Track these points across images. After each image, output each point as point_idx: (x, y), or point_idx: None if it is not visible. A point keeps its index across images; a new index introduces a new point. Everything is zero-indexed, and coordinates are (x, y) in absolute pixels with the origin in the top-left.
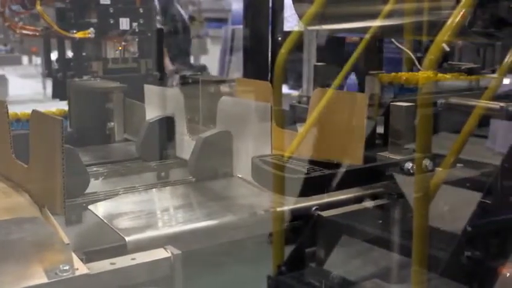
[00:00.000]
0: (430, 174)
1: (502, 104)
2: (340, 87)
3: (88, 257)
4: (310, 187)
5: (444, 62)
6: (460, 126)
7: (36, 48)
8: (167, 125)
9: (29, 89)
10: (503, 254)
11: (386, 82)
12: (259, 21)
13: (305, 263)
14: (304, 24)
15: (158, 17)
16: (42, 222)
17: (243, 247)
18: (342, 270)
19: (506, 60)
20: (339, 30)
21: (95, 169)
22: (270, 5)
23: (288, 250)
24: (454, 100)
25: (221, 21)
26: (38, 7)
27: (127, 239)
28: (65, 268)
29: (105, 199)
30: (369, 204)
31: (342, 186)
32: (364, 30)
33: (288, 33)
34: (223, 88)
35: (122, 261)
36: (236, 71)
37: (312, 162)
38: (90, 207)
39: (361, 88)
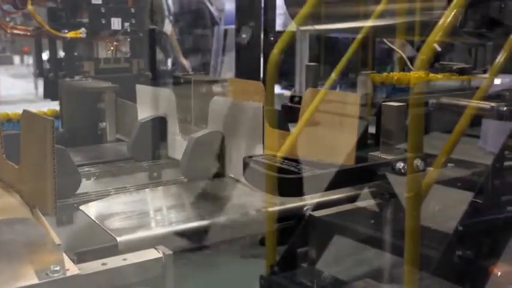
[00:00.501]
0: (422, 174)
1: (492, 104)
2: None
3: (79, 257)
4: (302, 187)
5: (436, 62)
6: (451, 126)
7: (27, 48)
8: (159, 125)
9: (20, 89)
10: (494, 253)
11: (379, 82)
12: (252, 21)
13: (298, 262)
14: (296, 24)
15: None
16: (33, 223)
17: (235, 247)
18: (334, 269)
19: (497, 60)
20: (331, 30)
21: (86, 169)
22: (263, 5)
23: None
24: (445, 100)
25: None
26: (29, 7)
27: (118, 239)
28: (55, 269)
29: (96, 199)
30: (360, 204)
31: (334, 186)
32: (357, 30)
33: (281, 33)
34: (216, 88)
35: (113, 262)
36: (229, 71)
37: (303, 162)
38: (82, 207)
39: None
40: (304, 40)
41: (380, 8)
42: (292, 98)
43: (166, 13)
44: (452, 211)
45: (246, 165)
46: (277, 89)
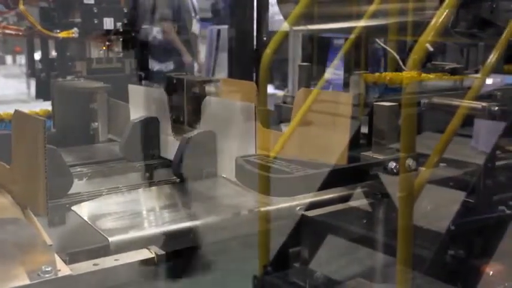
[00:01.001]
0: (414, 174)
1: (484, 104)
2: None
3: (71, 258)
4: (294, 187)
5: (428, 62)
6: (444, 126)
7: (20, 48)
8: (151, 125)
9: (12, 89)
10: (486, 253)
11: (371, 82)
12: (245, 21)
13: (291, 262)
14: (289, 24)
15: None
16: (24, 224)
17: (228, 247)
18: (327, 269)
19: (489, 60)
20: (324, 30)
21: (78, 169)
22: (255, 5)
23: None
24: (437, 100)
25: (207, 20)
26: (21, 6)
27: (110, 239)
28: (47, 269)
29: (88, 200)
30: (353, 203)
31: (326, 186)
32: (349, 30)
33: (274, 33)
34: (209, 88)
35: (105, 262)
36: (222, 71)
37: (296, 162)
38: (74, 208)
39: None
40: (297, 40)
41: (372, 8)
42: (285, 98)
43: (193, 14)
44: (444, 211)
45: (238, 165)
46: (270, 89)
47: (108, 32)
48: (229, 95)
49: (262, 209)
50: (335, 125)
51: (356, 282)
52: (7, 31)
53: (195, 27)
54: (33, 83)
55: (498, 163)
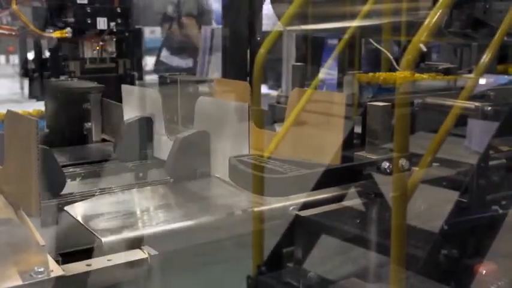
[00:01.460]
0: (408, 174)
1: (477, 104)
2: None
3: (64, 258)
4: (288, 187)
5: (422, 62)
6: (437, 126)
7: (13, 48)
8: (145, 125)
9: (5, 89)
10: (480, 252)
11: (365, 82)
12: (238, 21)
13: (285, 262)
14: (283, 24)
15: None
16: (17, 224)
17: (221, 248)
18: (321, 269)
19: (482, 60)
20: (318, 30)
21: (71, 170)
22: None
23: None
24: (430, 100)
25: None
26: (14, 6)
27: (103, 240)
28: (39, 270)
29: (81, 200)
30: (347, 203)
31: (320, 185)
32: (343, 30)
33: (267, 33)
34: (203, 88)
35: (98, 263)
36: (216, 71)
37: (289, 162)
38: (67, 208)
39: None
40: (291, 40)
41: (366, 8)
42: (279, 98)
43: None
44: (438, 210)
45: (231, 165)
46: (264, 89)
47: (101, 31)
48: (223, 95)
49: (256, 209)
50: (329, 125)
51: (350, 282)
52: (0, 31)
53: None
54: (26, 82)
55: (491, 163)
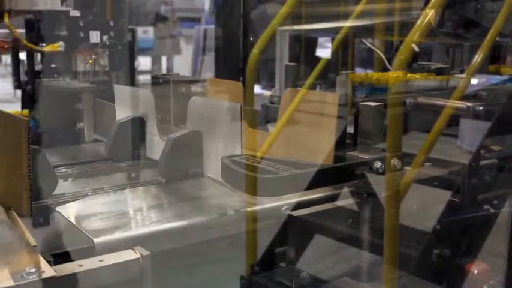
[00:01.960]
0: (401, 173)
1: (469, 104)
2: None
3: (56, 259)
4: (280, 187)
5: (414, 62)
6: (430, 126)
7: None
8: (137, 125)
9: None
10: (472, 252)
11: (358, 82)
12: (231, 21)
13: (278, 262)
14: (276, 24)
15: None
16: (8, 225)
17: (214, 248)
18: (314, 269)
19: (474, 60)
20: (311, 30)
21: (63, 170)
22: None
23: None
24: (422, 100)
25: (195, 20)
26: (6, 20)
27: (95, 240)
28: (31, 271)
29: (73, 200)
30: (339, 203)
31: (313, 185)
32: (336, 30)
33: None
34: (196, 88)
35: (90, 263)
36: (209, 71)
37: (282, 162)
38: (58, 208)
39: None
40: (284, 40)
41: (359, 8)
42: (271, 98)
43: None
44: (430, 210)
45: (223, 165)
46: (258, 89)
47: (94, 45)
48: (216, 95)
49: (249, 209)
50: (321, 124)
51: (343, 282)
52: None
53: None
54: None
55: (483, 162)
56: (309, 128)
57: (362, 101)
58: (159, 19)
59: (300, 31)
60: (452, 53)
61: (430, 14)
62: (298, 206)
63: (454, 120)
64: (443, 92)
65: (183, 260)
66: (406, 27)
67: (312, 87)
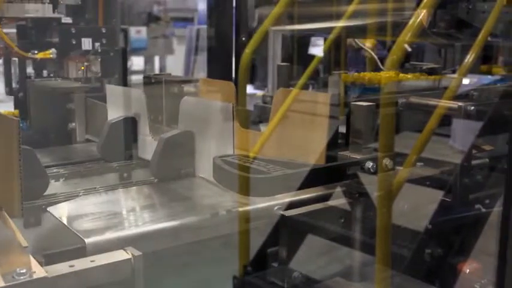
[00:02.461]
0: (393, 173)
1: (460, 104)
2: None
3: (47, 259)
4: (272, 187)
5: (406, 62)
6: (422, 126)
7: None
8: (129, 125)
9: None
10: (464, 251)
11: (350, 82)
12: (224, 20)
13: (271, 262)
14: (268, 24)
15: None
16: None
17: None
18: (306, 269)
19: (465, 60)
20: (304, 30)
21: (55, 170)
22: (234, 4)
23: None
24: (414, 100)
25: (187, 20)
26: None
27: (87, 241)
28: (22, 271)
29: (65, 201)
30: (332, 203)
31: (304, 185)
32: (329, 30)
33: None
34: (188, 88)
35: (81, 264)
36: (202, 71)
37: (274, 162)
38: (50, 209)
39: None
40: (277, 40)
41: (351, 8)
42: (264, 98)
43: None
44: (422, 210)
45: (215, 165)
46: (250, 89)
47: (86, 52)
48: (208, 95)
49: (241, 209)
50: (313, 125)
51: (335, 282)
52: None
53: None
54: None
55: (474, 162)
56: (301, 128)
57: (354, 101)
58: (151, 19)
59: (292, 31)
60: (444, 53)
61: (422, 14)
62: (291, 206)
63: (446, 120)
64: (435, 92)
65: (175, 260)
66: (398, 27)
67: (305, 87)
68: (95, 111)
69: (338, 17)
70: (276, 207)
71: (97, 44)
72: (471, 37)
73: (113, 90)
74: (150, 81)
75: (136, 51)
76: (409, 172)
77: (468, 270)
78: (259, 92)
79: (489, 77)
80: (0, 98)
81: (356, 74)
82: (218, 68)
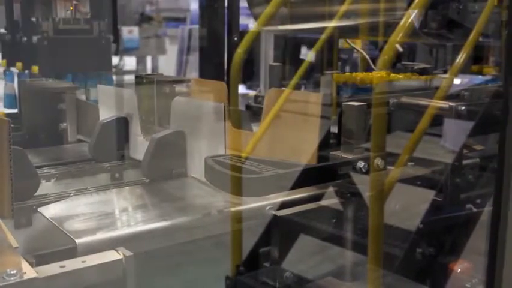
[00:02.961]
0: (384, 173)
1: (451, 104)
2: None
3: (38, 260)
4: (263, 187)
5: (398, 62)
6: (413, 126)
7: None
8: (121, 125)
9: None
10: (455, 250)
11: (342, 82)
12: (216, 20)
13: (264, 262)
14: (260, 24)
15: None
16: None
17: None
18: (298, 268)
19: (457, 61)
20: (296, 30)
21: (46, 171)
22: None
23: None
24: (405, 100)
25: (180, 20)
26: None
27: (77, 241)
28: (12, 272)
29: (56, 201)
30: (323, 203)
31: (296, 185)
32: (321, 30)
33: (245, 33)
34: (180, 88)
35: (72, 264)
36: (194, 71)
37: (265, 162)
38: (40, 209)
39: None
40: (269, 40)
41: (343, 8)
42: (256, 98)
43: None
44: (414, 209)
45: (207, 165)
46: (243, 89)
47: None
48: (200, 95)
49: (233, 209)
50: (305, 125)
51: (327, 281)
52: None
53: None
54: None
55: (465, 162)
56: (293, 128)
57: (345, 101)
58: (144, 19)
59: (284, 31)
60: (436, 53)
61: (413, 15)
62: (283, 206)
63: (437, 120)
64: (426, 92)
65: (168, 261)
66: (389, 27)
67: (296, 87)
68: (86, 111)
69: (330, 17)
70: (267, 207)
71: None
72: (462, 37)
73: (104, 90)
74: (141, 81)
75: (129, 51)
76: (401, 172)
77: (459, 270)
78: (252, 92)
79: (480, 77)
80: None
81: (348, 73)
82: (210, 68)
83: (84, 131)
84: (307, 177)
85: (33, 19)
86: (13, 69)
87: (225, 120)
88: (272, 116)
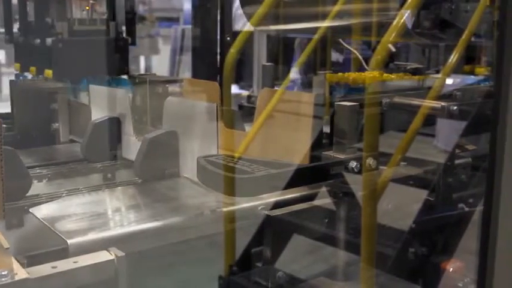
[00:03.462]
0: (377, 173)
1: (443, 104)
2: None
3: (29, 261)
4: (256, 187)
5: (391, 62)
6: (406, 126)
7: None
8: (113, 125)
9: None
10: (447, 250)
11: (335, 82)
12: (208, 20)
13: (257, 262)
14: (253, 24)
15: None
16: None
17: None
18: (291, 268)
19: (449, 61)
20: (289, 30)
21: (38, 171)
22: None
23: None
24: (398, 100)
25: (173, 20)
26: None
27: (69, 241)
28: (3, 273)
29: (47, 202)
30: (316, 202)
31: (289, 185)
32: (314, 30)
33: (238, 33)
34: (173, 88)
35: (64, 265)
36: (187, 71)
37: (258, 162)
38: (32, 210)
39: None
40: (262, 40)
41: (336, 8)
42: (249, 98)
43: None
44: (407, 209)
45: (200, 165)
46: (235, 89)
47: None
48: (193, 95)
49: (226, 209)
50: (298, 125)
51: (319, 281)
52: None
53: None
54: (4, 81)
55: (458, 161)
56: (285, 128)
57: (338, 101)
58: (137, 19)
59: (277, 31)
60: (428, 53)
61: (405, 15)
62: (275, 206)
63: (430, 120)
64: (419, 92)
65: (160, 261)
66: (382, 27)
67: (292, 82)
68: (79, 111)
69: (323, 17)
70: (260, 207)
71: None
72: (455, 37)
73: (97, 91)
74: (134, 81)
75: None
76: (394, 172)
77: (452, 269)
78: (244, 92)
79: (472, 77)
80: None
81: (340, 74)
82: (203, 68)
83: (77, 131)
84: (300, 177)
85: (48, 19)
86: (27, 74)
87: (217, 120)
88: (265, 116)
